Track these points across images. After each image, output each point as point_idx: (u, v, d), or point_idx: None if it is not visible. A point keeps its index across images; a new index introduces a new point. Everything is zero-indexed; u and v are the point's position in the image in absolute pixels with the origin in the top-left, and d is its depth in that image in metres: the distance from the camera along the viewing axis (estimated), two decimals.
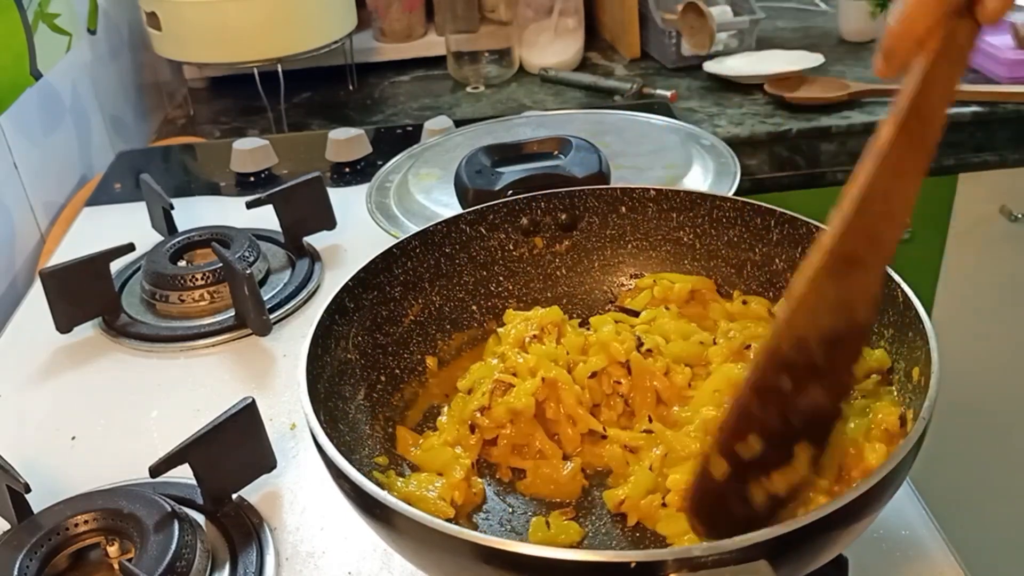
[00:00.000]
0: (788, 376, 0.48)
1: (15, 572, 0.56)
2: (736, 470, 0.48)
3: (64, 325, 0.86)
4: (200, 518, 0.64)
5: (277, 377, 0.80)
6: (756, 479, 0.48)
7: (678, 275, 0.74)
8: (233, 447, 0.64)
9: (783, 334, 0.47)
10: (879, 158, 0.46)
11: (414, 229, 0.72)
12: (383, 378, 0.68)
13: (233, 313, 0.87)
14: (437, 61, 1.60)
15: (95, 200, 1.14)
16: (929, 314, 0.55)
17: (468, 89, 1.52)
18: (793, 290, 0.48)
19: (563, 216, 0.75)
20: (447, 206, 0.88)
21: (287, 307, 0.88)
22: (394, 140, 1.19)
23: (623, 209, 0.75)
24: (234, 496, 0.66)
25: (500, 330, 0.70)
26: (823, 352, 0.48)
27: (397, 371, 0.69)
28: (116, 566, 0.60)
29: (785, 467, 0.49)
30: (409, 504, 0.47)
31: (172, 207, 0.99)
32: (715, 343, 0.67)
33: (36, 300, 0.90)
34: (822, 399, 0.49)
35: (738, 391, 0.48)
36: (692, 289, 0.73)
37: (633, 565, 0.42)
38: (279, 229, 0.96)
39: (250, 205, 0.94)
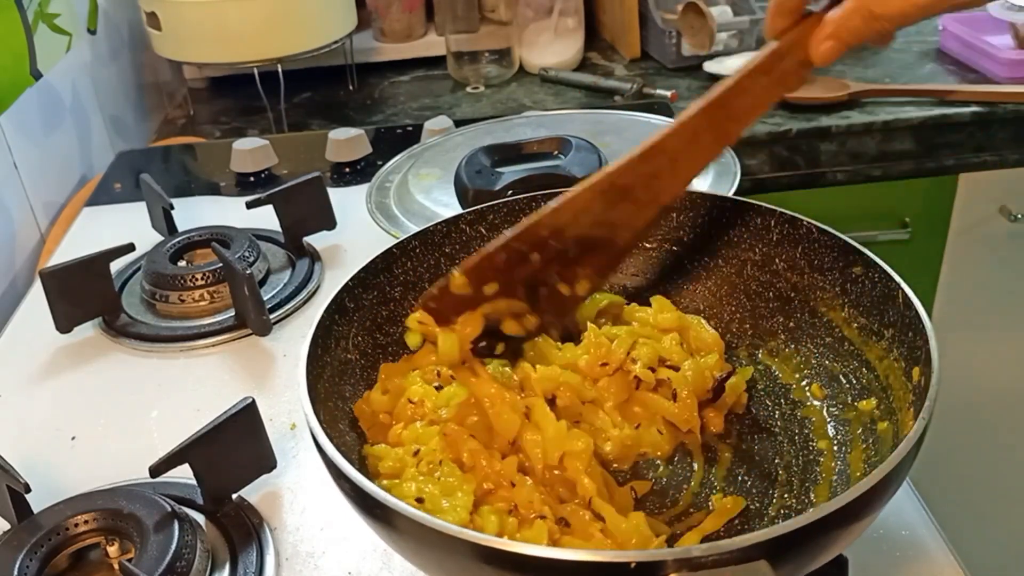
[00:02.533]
0: (538, 252, 0.59)
1: (15, 572, 0.56)
2: (471, 296, 0.59)
3: (64, 325, 0.86)
4: (200, 518, 0.64)
5: (277, 377, 0.80)
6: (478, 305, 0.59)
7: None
8: (233, 447, 0.64)
9: (544, 220, 0.58)
10: (677, 125, 0.56)
11: (414, 229, 0.72)
12: None
13: (233, 313, 0.87)
14: (437, 61, 1.60)
15: (95, 200, 1.14)
16: (929, 314, 0.55)
17: (468, 89, 1.52)
18: (567, 193, 0.58)
19: None
20: (447, 206, 0.88)
21: (287, 307, 0.88)
22: (394, 140, 1.19)
23: None
24: (234, 496, 0.66)
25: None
26: (576, 248, 0.59)
27: None
28: (116, 566, 0.60)
29: (517, 314, 0.60)
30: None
31: (172, 207, 0.99)
32: None
33: (36, 300, 0.90)
34: (561, 283, 0.60)
35: (493, 243, 0.59)
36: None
37: (633, 565, 0.42)
38: (279, 229, 0.96)
39: (250, 205, 0.94)
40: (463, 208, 0.78)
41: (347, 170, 1.15)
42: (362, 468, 0.59)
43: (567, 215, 0.58)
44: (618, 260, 0.63)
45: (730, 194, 0.78)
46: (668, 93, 1.38)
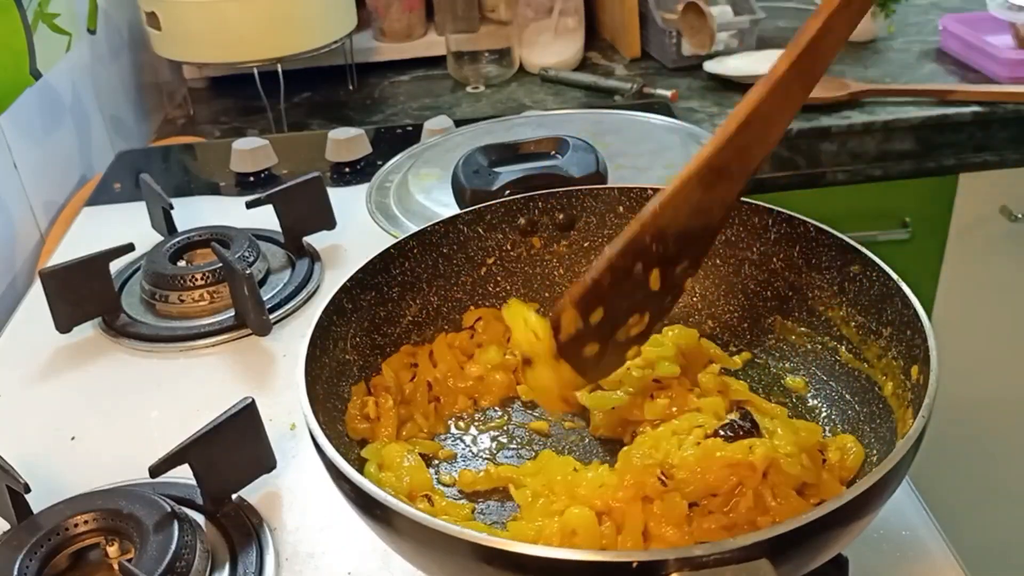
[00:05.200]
0: (641, 262, 0.54)
1: (15, 572, 0.56)
2: (584, 329, 0.55)
3: (64, 325, 0.86)
4: (200, 518, 0.64)
5: (277, 377, 0.80)
6: (595, 339, 0.56)
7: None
8: (233, 447, 0.64)
9: (647, 226, 0.53)
10: (771, 86, 0.51)
11: (414, 229, 0.72)
12: None
13: (233, 313, 0.87)
14: (437, 61, 1.60)
15: (95, 200, 1.14)
16: (929, 314, 0.55)
17: (468, 89, 1.52)
18: (665, 190, 0.53)
19: (560, 216, 0.75)
20: (447, 206, 0.88)
21: (287, 307, 0.88)
22: (394, 140, 1.19)
23: (620, 209, 0.75)
24: (234, 496, 0.66)
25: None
26: (676, 246, 0.55)
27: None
28: (116, 566, 0.60)
29: (619, 330, 0.57)
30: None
31: (172, 207, 0.99)
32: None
33: (36, 300, 0.90)
34: (666, 282, 0.56)
35: (596, 267, 0.54)
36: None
37: (635, 565, 0.42)
38: (279, 229, 0.96)
39: (250, 205, 0.94)
40: (460, 208, 0.78)
41: (347, 170, 1.15)
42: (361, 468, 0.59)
43: (668, 213, 0.53)
44: (712, 241, 0.58)
45: None
46: (668, 93, 1.38)
